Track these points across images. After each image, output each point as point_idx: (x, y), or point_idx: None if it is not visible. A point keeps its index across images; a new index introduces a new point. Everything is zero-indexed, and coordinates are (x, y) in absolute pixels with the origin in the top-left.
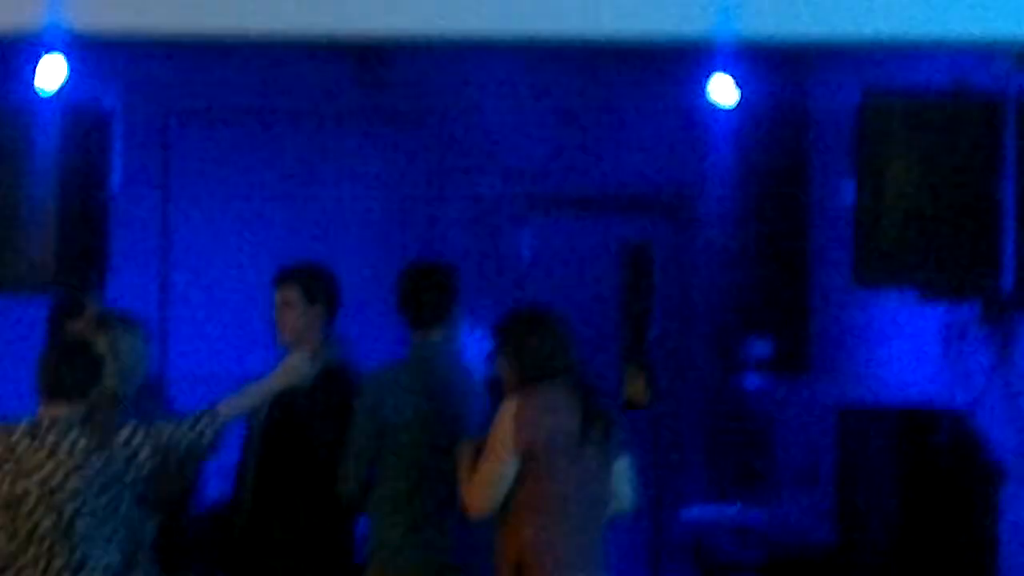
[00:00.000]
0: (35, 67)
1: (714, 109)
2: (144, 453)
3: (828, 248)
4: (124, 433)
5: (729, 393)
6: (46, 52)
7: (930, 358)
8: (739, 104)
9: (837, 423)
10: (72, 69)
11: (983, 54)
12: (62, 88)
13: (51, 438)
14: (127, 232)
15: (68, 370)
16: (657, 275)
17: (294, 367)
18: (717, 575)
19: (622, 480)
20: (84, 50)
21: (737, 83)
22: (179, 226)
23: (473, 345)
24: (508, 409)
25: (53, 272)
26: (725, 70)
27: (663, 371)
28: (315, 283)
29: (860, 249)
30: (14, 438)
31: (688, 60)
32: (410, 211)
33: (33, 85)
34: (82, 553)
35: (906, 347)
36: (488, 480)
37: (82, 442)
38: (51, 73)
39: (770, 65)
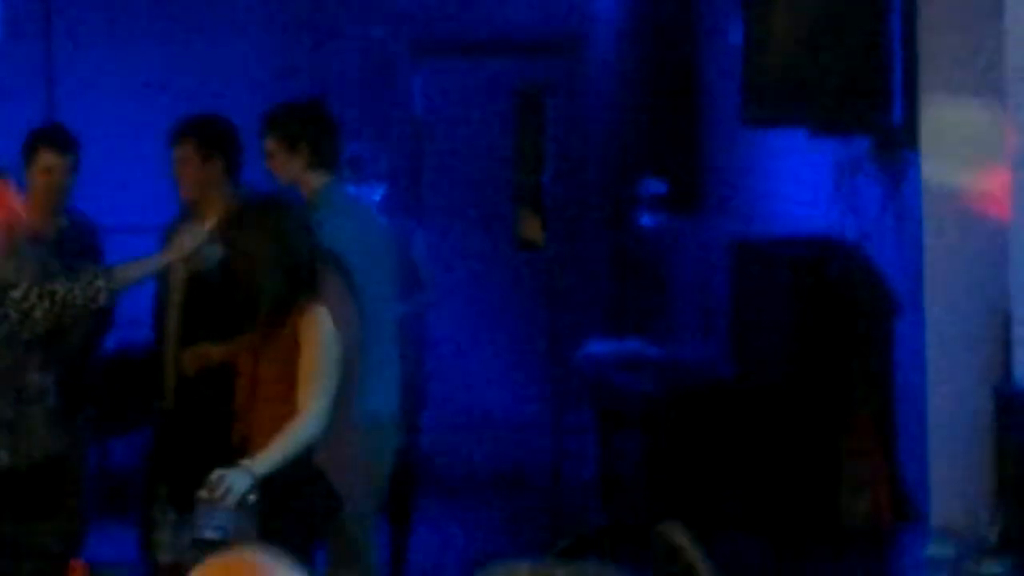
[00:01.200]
0: None
1: None
2: (38, 312)
3: (718, 86)
4: (18, 292)
5: (624, 233)
6: None
7: (821, 194)
8: None
9: (731, 258)
10: None
11: None
12: None
13: None
14: (11, 80)
15: None
16: (550, 118)
17: (185, 243)
18: (613, 409)
19: None
20: None
21: None
22: (63, 77)
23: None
24: None
25: None
26: None
27: (559, 213)
28: (210, 137)
29: (748, 87)
30: None
31: None
32: (299, 59)
33: None
34: None
35: (797, 183)
36: None
37: None
38: None
39: None
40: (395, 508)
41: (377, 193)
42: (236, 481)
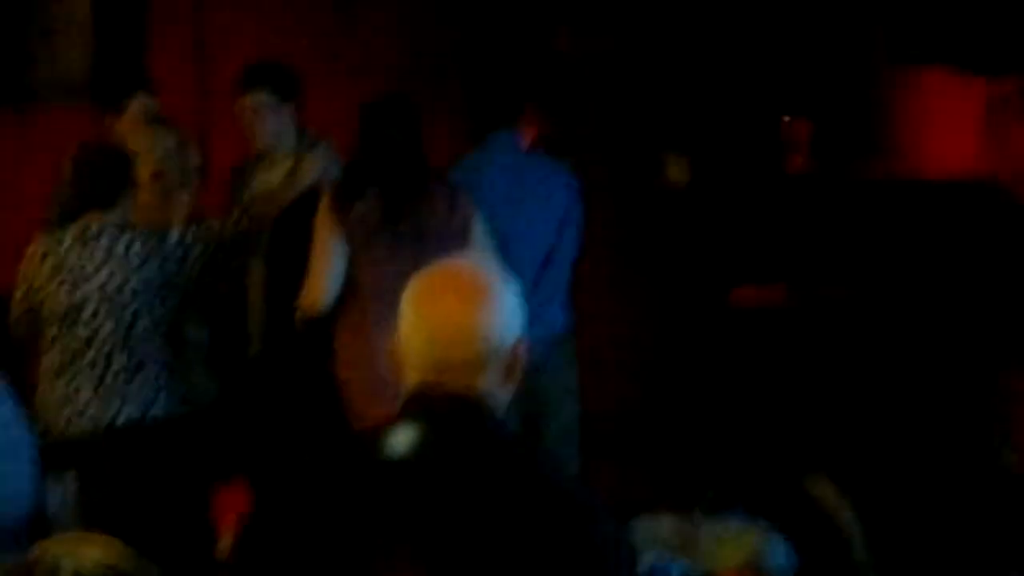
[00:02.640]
0: None
1: None
2: (196, 251)
3: (866, 25)
4: (175, 234)
5: (769, 176)
6: None
7: (971, 135)
8: None
9: (880, 200)
10: None
11: None
12: None
13: (104, 242)
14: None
15: (100, 176)
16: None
17: (309, 169)
18: None
19: None
20: None
21: None
22: None
23: None
24: None
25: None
26: None
27: (704, 155)
28: (283, 84)
29: (897, 25)
30: (64, 246)
31: None
32: None
33: None
34: (140, 356)
35: (946, 124)
36: None
37: (136, 245)
38: None
39: None
40: None
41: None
42: None
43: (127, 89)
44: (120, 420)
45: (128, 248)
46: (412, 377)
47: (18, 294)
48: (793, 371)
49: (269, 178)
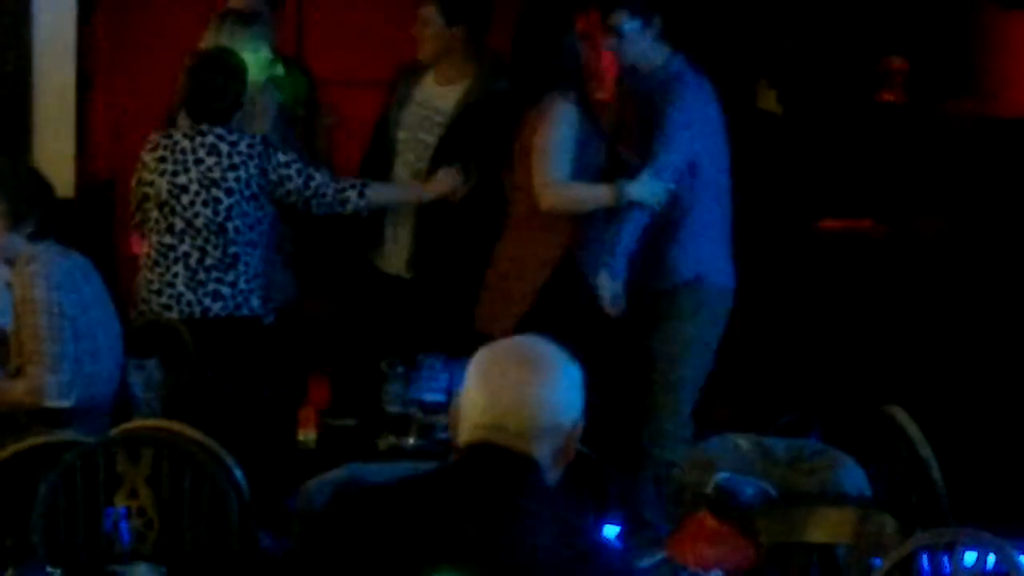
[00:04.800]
0: None
1: None
2: (290, 186)
3: None
4: (282, 158)
5: (863, 109)
6: None
7: None
8: None
9: (974, 138)
10: None
11: None
12: None
13: (209, 139)
14: None
15: (218, 86)
16: None
17: (446, 187)
18: None
19: None
20: None
21: None
22: None
23: None
24: None
25: None
26: None
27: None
28: (454, 4)
29: None
30: (174, 139)
31: None
32: None
33: None
34: (233, 253)
35: None
36: None
37: (242, 145)
38: None
39: None
40: None
41: None
42: None
43: None
44: (211, 314)
45: (233, 146)
46: (468, 434)
47: (133, 183)
48: (876, 302)
49: (446, 94)
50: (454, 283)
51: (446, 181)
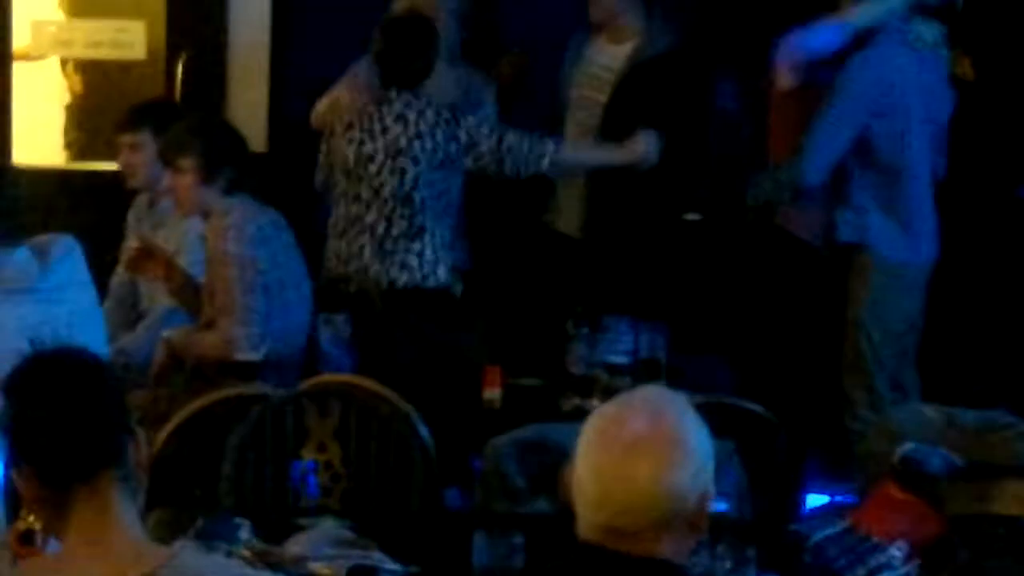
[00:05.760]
0: None
1: None
2: (483, 147)
3: None
4: (472, 120)
5: None
6: None
7: None
8: None
9: None
10: None
11: None
12: None
13: (397, 106)
14: None
15: (409, 49)
16: None
17: (641, 151)
18: None
19: None
20: None
21: None
22: None
23: None
24: None
25: None
26: None
27: (991, 50)
28: None
29: None
30: (361, 105)
31: None
32: None
33: None
34: (420, 223)
35: None
36: None
37: (429, 114)
38: None
39: None
40: None
41: None
42: None
43: None
44: (398, 285)
45: (420, 115)
46: (584, 530)
47: (322, 150)
48: None
49: (615, 52)
50: (625, 245)
51: (640, 147)
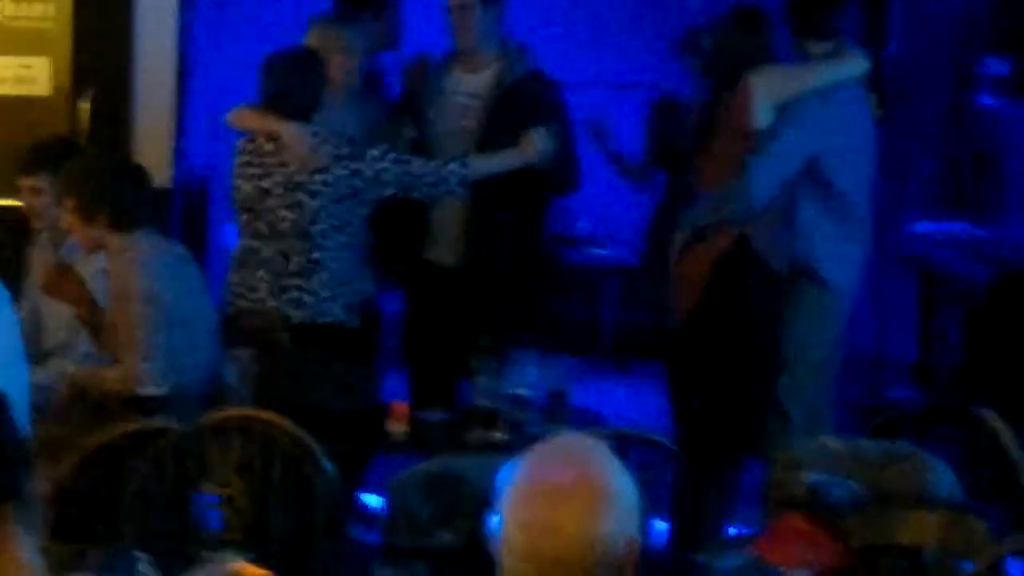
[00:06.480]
0: None
1: None
2: (389, 176)
3: None
4: (376, 152)
5: (963, 112)
6: None
7: None
8: None
9: None
10: None
11: None
12: None
13: None
14: None
15: (296, 83)
16: None
17: (537, 144)
18: (941, 290)
19: None
20: None
21: None
22: None
23: None
24: None
25: None
26: None
27: (898, 86)
28: None
29: None
30: (257, 141)
31: None
32: None
33: None
34: (317, 257)
35: None
36: None
37: (327, 147)
38: None
39: None
40: None
41: None
42: None
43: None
44: (293, 322)
45: (318, 148)
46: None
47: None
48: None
49: (477, 80)
50: (506, 272)
51: (533, 145)
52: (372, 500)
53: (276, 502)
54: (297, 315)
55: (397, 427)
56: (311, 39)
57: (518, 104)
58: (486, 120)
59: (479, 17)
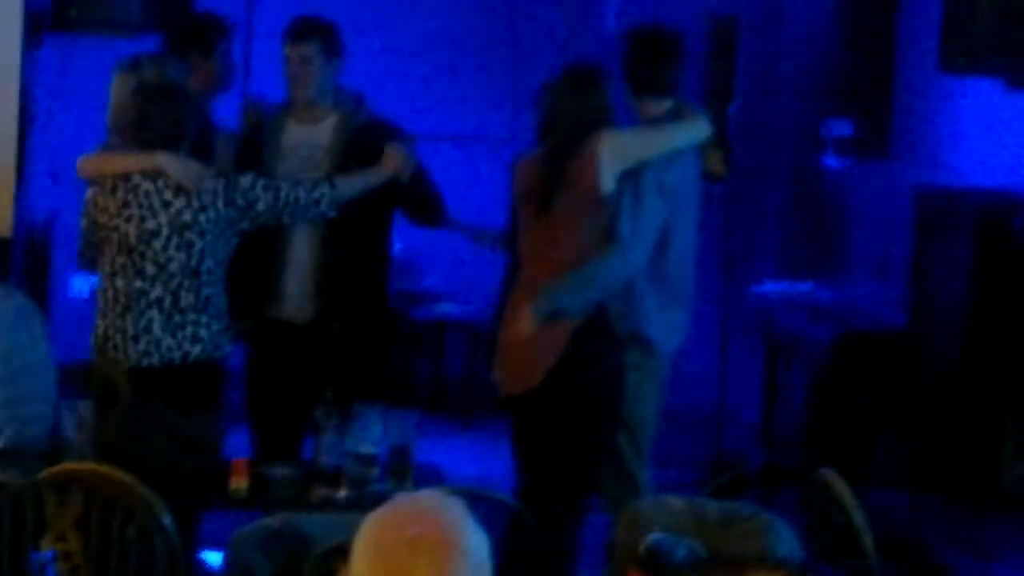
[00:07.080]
0: None
1: None
2: (261, 205)
3: (917, 29)
4: (246, 181)
5: (807, 172)
6: None
7: (1013, 147)
8: None
9: (914, 206)
10: None
11: None
12: None
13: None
14: None
15: (161, 115)
16: (742, 49)
17: (397, 158)
18: (785, 351)
19: None
20: None
21: None
22: None
23: None
24: None
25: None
26: None
27: (743, 146)
28: (333, 37)
29: (948, 33)
30: (133, 182)
31: None
32: None
33: None
34: (206, 293)
35: (989, 136)
36: None
37: (209, 183)
38: None
39: None
40: None
41: None
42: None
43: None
44: (191, 358)
45: (200, 169)
46: None
47: (84, 224)
48: (821, 367)
49: (317, 131)
50: (359, 328)
51: (395, 159)
52: (212, 558)
53: (115, 559)
54: (195, 351)
55: (239, 483)
56: (115, 82)
57: (364, 149)
58: (336, 169)
59: (319, 70)
